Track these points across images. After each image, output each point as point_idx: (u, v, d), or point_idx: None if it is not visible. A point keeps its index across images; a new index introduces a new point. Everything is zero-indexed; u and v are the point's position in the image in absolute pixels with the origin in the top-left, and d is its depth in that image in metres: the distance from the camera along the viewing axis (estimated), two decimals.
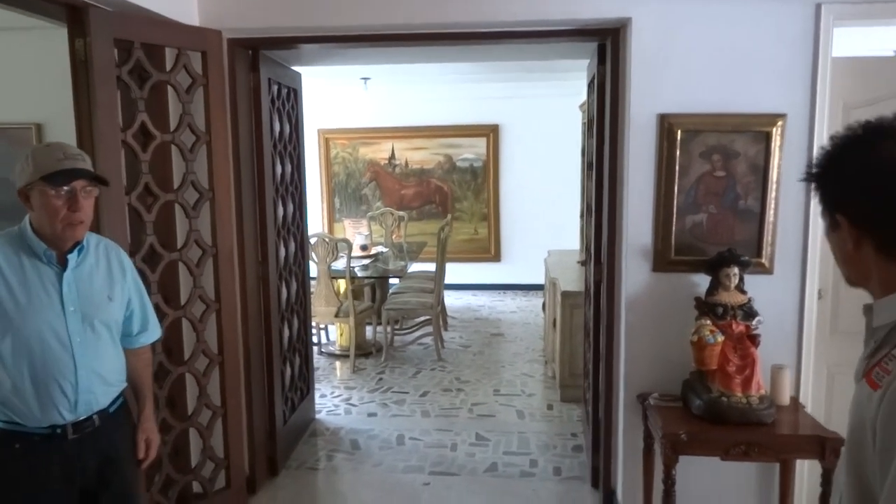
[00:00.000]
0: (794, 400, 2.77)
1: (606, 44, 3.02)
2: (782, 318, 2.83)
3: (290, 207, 3.94)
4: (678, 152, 2.79)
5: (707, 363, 2.60)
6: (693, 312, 2.72)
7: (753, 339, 2.61)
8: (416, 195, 8.15)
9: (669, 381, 2.84)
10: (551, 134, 7.55)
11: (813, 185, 1.08)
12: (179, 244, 2.94)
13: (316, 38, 3.18)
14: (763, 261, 2.82)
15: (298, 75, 4.11)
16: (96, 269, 1.96)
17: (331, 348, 6.01)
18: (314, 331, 5.60)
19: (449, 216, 7.61)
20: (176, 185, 2.91)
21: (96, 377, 1.91)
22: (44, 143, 1.85)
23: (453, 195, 8.12)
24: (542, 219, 7.75)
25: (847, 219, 1.02)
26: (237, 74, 3.16)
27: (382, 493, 3.50)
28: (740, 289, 2.68)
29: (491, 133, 7.97)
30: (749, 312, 2.65)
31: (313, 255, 5.22)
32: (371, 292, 6.23)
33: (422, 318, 6.05)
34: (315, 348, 5.54)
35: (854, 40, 3.15)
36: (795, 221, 2.81)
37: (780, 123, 2.74)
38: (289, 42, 3.24)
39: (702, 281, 2.77)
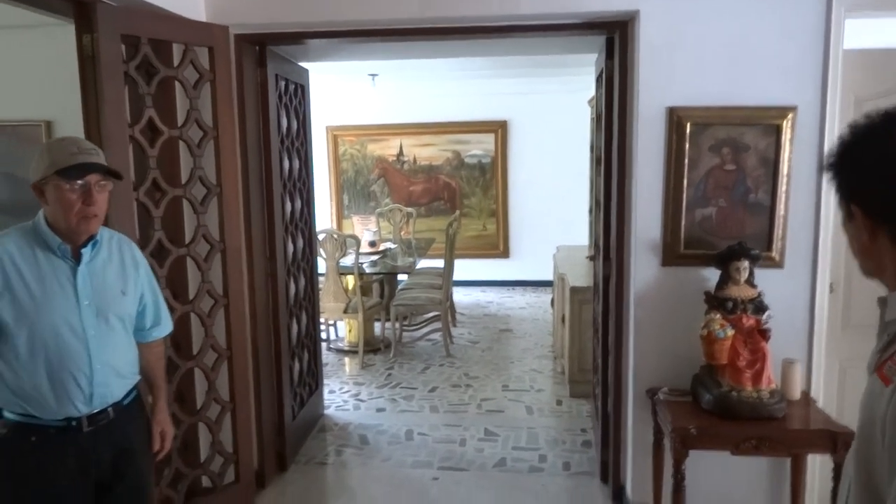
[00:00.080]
0: (806, 394, 2.75)
1: (614, 37, 3.00)
2: (793, 313, 2.81)
3: (298, 203, 3.94)
4: (687, 145, 2.77)
5: (717, 358, 2.58)
6: (702, 307, 2.70)
7: (764, 334, 2.59)
8: (424, 191, 8.15)
9: (679, 376, 2.82)
10: (560, 130, 7.53)
11: (829, 175, 1.05)
12: (187, 239, 2.95)
13: (323, 34, 3.17)
14: (773, 254, 2.80)
15: (306, 71, 4.11)
16: (109, 263, 1.98)
17: (339, 344, 6.02)
18: (323, 327, 5.61)
19: (457, 212, 7.59)
20: (184, 181, 2.92)
21: (111, 370, 1.92)
22: (58, 137, 1.88)
23: (462, 191, 8.12)
24: (550, 215, 7.73)
25: (861, 209, 1.00)
26: (244, 70, 3.17)
27: (391, 488, 3.50)
28: (750, 283, 2.66)
29: (499, 129, 7.95)
30: (759, 306, 2.63)
31: (322, 251, 5.23)
32: (379, 288, 6.23)
33: (430, 315, 6.06)
34: (324, 344, 5.56)
35: (866, 32, 3.11)
36: (806, 215, 2.78)
37: (790, 116, 2.72)
38: (296, 37, 3.24)
39: (711, 275, 2.76)
